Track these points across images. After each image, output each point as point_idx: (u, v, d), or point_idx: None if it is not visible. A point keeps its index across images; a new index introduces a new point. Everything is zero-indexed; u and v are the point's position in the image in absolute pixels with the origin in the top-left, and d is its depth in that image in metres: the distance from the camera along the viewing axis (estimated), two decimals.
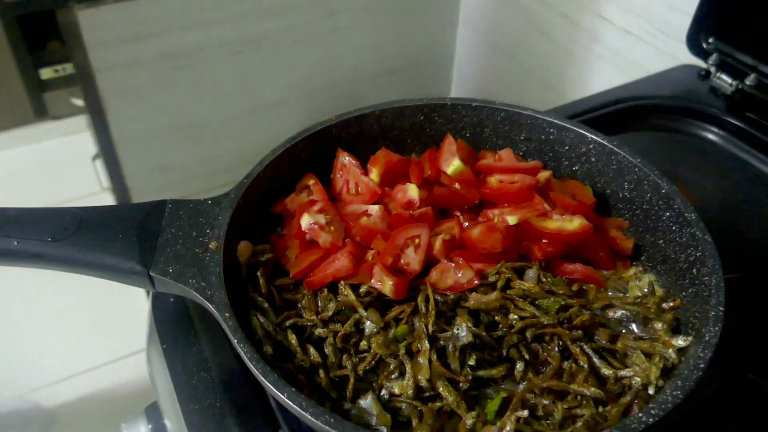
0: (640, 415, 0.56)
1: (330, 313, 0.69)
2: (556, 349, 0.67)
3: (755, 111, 1.07)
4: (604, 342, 0.68)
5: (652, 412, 0.56)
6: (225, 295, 0.64)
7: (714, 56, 1.12)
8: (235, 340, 0.61)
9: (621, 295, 0.75)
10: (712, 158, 1.04)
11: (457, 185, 0.80)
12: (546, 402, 0.63)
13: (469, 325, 0.66)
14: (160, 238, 0.69)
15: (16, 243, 0.67)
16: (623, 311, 0.70)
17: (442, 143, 0.85)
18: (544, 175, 0.82)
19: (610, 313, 0.71)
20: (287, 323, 0.69)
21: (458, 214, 0.80)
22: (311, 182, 0.81)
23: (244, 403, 0.71)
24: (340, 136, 0.85)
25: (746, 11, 1.07)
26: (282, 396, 0.57)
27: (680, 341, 0.65)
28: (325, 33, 1.71)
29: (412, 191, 0.78)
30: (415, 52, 1.88)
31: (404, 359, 0.65)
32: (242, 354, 0.60)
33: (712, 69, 1.14)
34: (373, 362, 0.66)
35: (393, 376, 0.65)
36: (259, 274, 0.73)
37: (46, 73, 1.65)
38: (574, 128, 0.83)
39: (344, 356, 0.67)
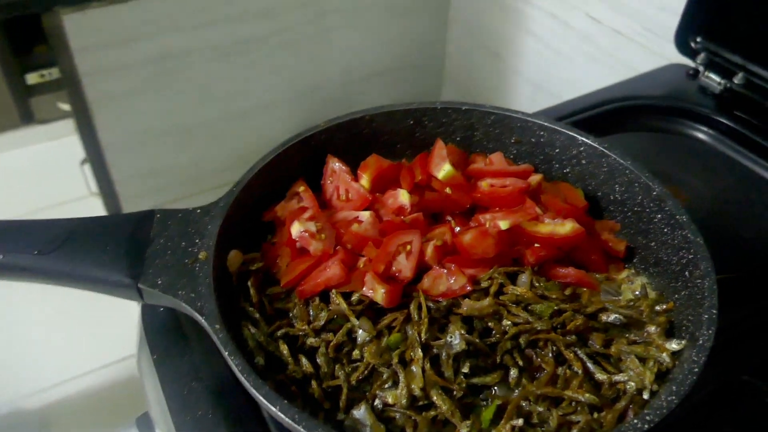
0: (636, 421, 0.56)
1: (322, 323, 0.68)
2: (550, 354, 0.66)
3: (744, 110, 1.07)
4: (598, 347, 0.67)
5: (648, 417, 0.56)
6: (215, 306, 0.64)
7: (702, 55, 1.12)
8: (226, 353, 0.60)
9: (614, 298, 0.75)
10: (702, 158, 1.04)
11: (448, 190, 0.79)
12: (541, 409, 0.62)
13: (463, 332, 0.65)
14: (148, 249, 0.69)
15: (1, 257, 0.66)
16: (616, 315, 0.70)
17: (432, 148, 0.84)
18: (535, 178, 0.81)
19: (604, 317, 0.70)
20: (279, 333, 0.69)
21: (450, 219, 0.79)
22: (301, 189, 0.81)
23: (237, 413, 0.70)
24: (330, 141, 0.84)
25: (734, 10, 1.07)
26: (274, 409, 0.56)
27: (674, 345, 0.65)
28: (313, 35, 1.70)
29: (403, 197, 0.77)
30: (405, 54, 1.88)
31: (397, 368, 0.64)
32: (233, 366, 0.59)
33: (701, 68, 1.14)
34: (366, 372, 0.65)
35: (386, 386, 0.64)
36: (249, 283, 0.72)
37: (32, 78, 1.63)
38: (565, 131, 0.83)
39: (337, 366, 0.66)
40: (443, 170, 0.79)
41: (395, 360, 0.64)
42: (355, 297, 0.70)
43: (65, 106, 1.66)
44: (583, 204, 0.82)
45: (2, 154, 2.08)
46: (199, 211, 0.73)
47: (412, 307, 0.68)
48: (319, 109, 1.83)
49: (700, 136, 1.09)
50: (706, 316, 0.63)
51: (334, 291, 0.70)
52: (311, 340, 0.68)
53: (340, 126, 0.84)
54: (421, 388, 0.62)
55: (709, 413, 0.73)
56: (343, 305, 0.68)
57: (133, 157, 1.63)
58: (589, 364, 0.66)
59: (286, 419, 0.56)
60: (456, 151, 0.85)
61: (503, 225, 0.74)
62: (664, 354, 0.65)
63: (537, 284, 0.72)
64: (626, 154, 0.79)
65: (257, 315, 0.70)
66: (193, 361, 0.76)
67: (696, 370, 0.59)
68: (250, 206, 0.78)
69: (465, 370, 0.64)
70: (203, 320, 0.63)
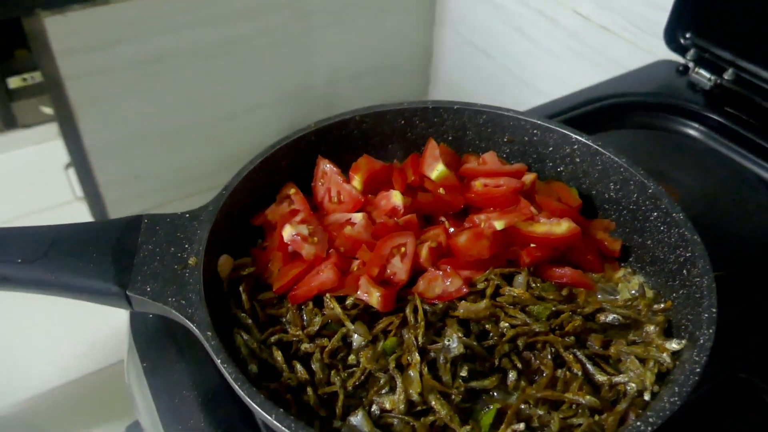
0: (639, 423, 0.55)
1: (316, 328, 0.67)
2: (549, 356, 0.65)
3: (734, 106, 1.07)
4: (596, 348, 0.66)
5: (651, 419, 0.55)
6: (207, 313, 0.62)
7: (692, 51, 1.12)
8: (219, 361, 0.59)
9: (611, 297, 0.74)
10: (694, 154, 1.03)
11: (441, 191, 0.78)
12: (541, 412, 0.61)
13: (460, 335, 0.64)
14: (136, 255, 0.67)
15: None
16: (615, 315, 0.69)
17: (424, 148, 0.83)
18: (529, 177, 0.80)
19: (602, 317, 0.69)
20: (272, 339, 0.67)
21: (443, 220, 0.78)
22: (292, 191, 0.79)
23: (230, 423, 0.69)
24: (319, 143, 0.83)
25: (723, 6, 1.07)
26: (270, 418, 0.55)
27: (674, 345, 0.64)
28: (299, 35, 1.69)
29: (396, 198, 0.76)
30: (392, 53, 1.87)
31: (394, 373, 0.63)
32: (227, 375, 0.58)
33: (691, 64, 1.14)
34: (362, 377, 0.64)
35: (383, 391, 0.63)
36: (241, 289, 0.70)
37: (13, 82, 1.61)
38: (558, 129, 0.82)
39: (332, 372, 0.65)
40: (436, 170, 0.78)
41: (392, 365, 0.63)
42: (349, 301, 0.68)
43: (48, 110, 1.64)
44: (578, 203, 0.81)
45: None
46: (188, 215, 0.71)
47: (408, 310, 0.67)
48: (306, 111, 1.82)
49: (691, 132, 1.09)
50: (706, 315, 0.62)
51: (328, 295, 0.68)
52: (305, 346, 0.66)
53: (329, 127, 0.83)
54: (419, 393, 0.61)
55: (707, 411, 0.72)
56: (338, 309, 0.67)
57: (118, 161, 1.61)
58: (589, 366, 0.65)
59: (283, 428, 0.54)
60: (448, 152, 0.84)
61: (498, 225, 0.72)
62: (665, 354, 0.64)
63: (533, 285, 0.71)
64: (620, 152, 0.79)
65: (249, 321, 0.68)
66: (184, 369, 0.75)
67: (698, 370, 0.59)
68: (239, 210, 0.76)
69: (463, 373, 0.63)
70: (194, 328, 0.61)
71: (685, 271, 0.69)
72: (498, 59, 1.71)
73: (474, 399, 0.64)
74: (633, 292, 0.75)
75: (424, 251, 0.71)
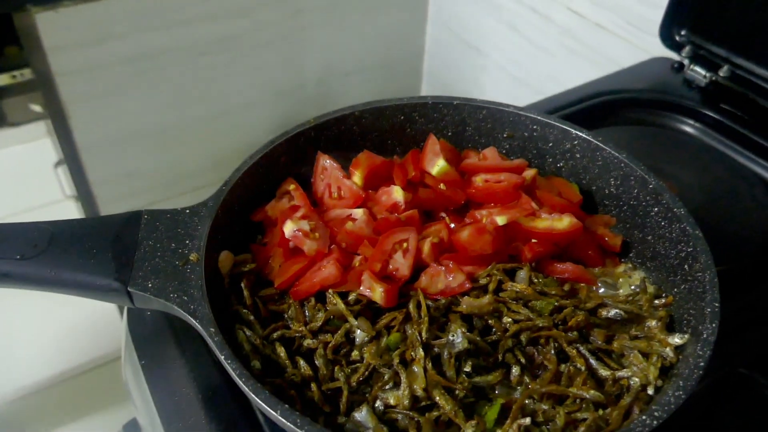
0: (644, 417, 0.55)
1: (319, 324, 0.67)
2: (552, 351, 0.65)
3: (730, 103, 1.08)
4: (600, 343, 0.66)
5: (656, 414, 0.55)
6: (209, 309, 0.61)
7: (687, 48, 1.12)
8: (222, 357, 0.58)
9: (612, 292, 0.74)
10: (690, 151, 1.04)
11: (442, 186, 0.78)
12: (545, 407, 0.61)
13: (464, 330, 0.64)
14: (137, 251, 0.66)
15: None
16: (617, 310, 0.69)
17: (425, 143, 0.83)
18: (529, 173, 0.80)
19: (604, 312, 0.69)
20: (275, 335, 0.67)
21: (444, 215, 0.78)
22: (292, 187, 0.79)
23: (230, 420, 0.68)
24: (318, 138, 0.82)
25: (718, 3, 1.07)
26: (275, 414, 0.54)
27: (677, 339, 0.64)
28: (291, 32, 1.68)
29: (397, 193, 0.76)
30: (384, 50, 1.86)
31: (399, 369, 0.62)
32: (231, 371, 0.57)
33: (686, 61, 1.14)
34: (366, 373, 0.63)
35: (387, 387, 0.62)
36: (243, 285, 0.70)
37: (3, 80, 1.59)
38: (558, 124, 0.82)
39: (336, 368, 0.64)
40: (437, 166, 0.78)
41: (396, 360, 0.63)
42: (352, 296, 0.68)
43: (37, 108, 1.62)
44: (578, 198, 0.81)
45: None
46: (188, 211, 0.70)
47: (411, 306, 0.67)
48: (298, 108, 1.81)
49: (687, 129, 1.10)
50: (709, 310, 0.62)
51: (330, 291, 0.68)
52: (308, 342, 0.66)
53: (328, 123, 0.83)
54: (424, 388, 0.61)
55: (707, 406, 0.72)
56: (341, 305, 0.66)
57: (110, 159, 1.59)
58: (592, 361, 0.65)
59: (288, 424, 0.54)
60: (448, 147, 0.84)
61: (500, 221, 0.72)
62: (668, 349, 0.64)
63: (536, 280, 0.71)
64: (621, 147, 0.79)
65: (251, 317, 0.68)
66: (183, 366, 0.74)
67: (702, 364, 0.59)
68: (239, 206, 0.76)
69: (467, 369, 0.63)
70: (197, 324, 0.61)
71: (686, 266, 0.69)
72: (491, 57, 1.71)
73: (476, 394, 0.64)
74: (634, 287, 0.75)
75: (426, 247, 0.71)
